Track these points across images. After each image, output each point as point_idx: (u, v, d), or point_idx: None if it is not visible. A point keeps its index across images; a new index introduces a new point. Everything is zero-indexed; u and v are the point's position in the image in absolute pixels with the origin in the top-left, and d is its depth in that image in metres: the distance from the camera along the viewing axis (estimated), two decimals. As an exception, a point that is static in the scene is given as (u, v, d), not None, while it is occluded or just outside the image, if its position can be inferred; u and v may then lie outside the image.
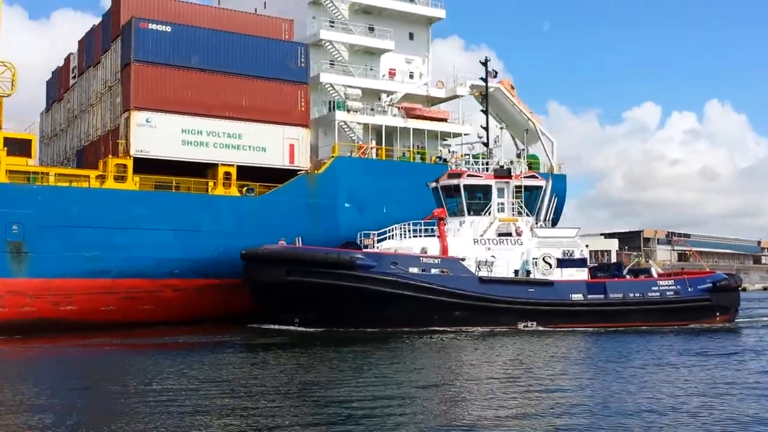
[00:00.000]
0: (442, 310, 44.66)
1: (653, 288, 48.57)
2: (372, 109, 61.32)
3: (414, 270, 44.95)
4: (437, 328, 44.63)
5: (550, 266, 48.14)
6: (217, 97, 53.66)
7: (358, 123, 59.83)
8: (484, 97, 66.78)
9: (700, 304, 49.25)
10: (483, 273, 46.25)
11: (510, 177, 50.36)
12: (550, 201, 51.13)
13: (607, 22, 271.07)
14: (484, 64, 55.93)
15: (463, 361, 32.56)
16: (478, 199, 50.03)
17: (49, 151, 70.51)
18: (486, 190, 49.98)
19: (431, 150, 63.25)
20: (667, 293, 48.70)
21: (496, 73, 59.60)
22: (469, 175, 49.86)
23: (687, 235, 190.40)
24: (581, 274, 48.75)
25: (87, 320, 48.72)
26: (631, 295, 47.89)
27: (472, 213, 49.80)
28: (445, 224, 48.67)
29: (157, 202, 50.95)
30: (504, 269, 47.50)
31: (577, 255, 49.08)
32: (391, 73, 64.93)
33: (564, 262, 48.49)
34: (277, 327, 46.15)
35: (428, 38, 67.80)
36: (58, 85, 69.25)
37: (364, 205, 57.95)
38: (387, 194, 58.16)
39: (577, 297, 46.94)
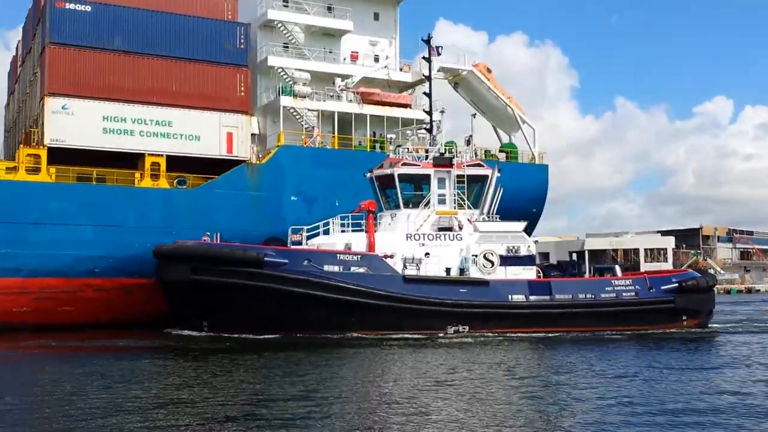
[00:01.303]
0: (361, 313, 40.08)
1: (606, 288, 43.16)
2: (330, 95, 56.79)
3: (330, 268, 40.46)
4: (355, 334, 40.01)
5: (492, 264, 43.11)
6: (144, 81, 50.06)
7: (309, 109, 55.42)
8: (456, 81, 62.82)
9: (661, 307, 43.70)
10: (409, 271, 41.41)
11: (451, 166, 45.43)
12: (495, 192, 45.99)
13: (676, 14, 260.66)
14: (427, 41, 50.88)
15: (354, 377, 27.66)
16: (416, 190, 45.20)
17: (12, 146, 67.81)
18: (424, 180, 45.16)
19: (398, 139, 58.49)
20: (624, 294, 43.26)
21: (439, 50, 54.27)
22: (404, 164, 45.11)
23: (750, 233, 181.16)
24: (528, 273, 43.60)
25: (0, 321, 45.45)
26: (581, 296, 42.58)
27: (409, 206, 44.98)
28: (374, 218, 43.96)
29: (74, 196, 47.47)
30: (439, 268, 42.57)
31: (523, 252, 43.94)
32: (353, 57, 60.42)
33: (508, 260, 43.43)
34: (187, 332, 42.03)
35: (395, 18, 63.20)
36: (13, 75, 66.53)
37: (314, 198, 53.69)
38: (340, 186, 53.72)
39: (517, 298, 41.87)
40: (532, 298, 41.96)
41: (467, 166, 45.69)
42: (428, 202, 45.00)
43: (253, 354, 34.14)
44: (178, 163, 50.83)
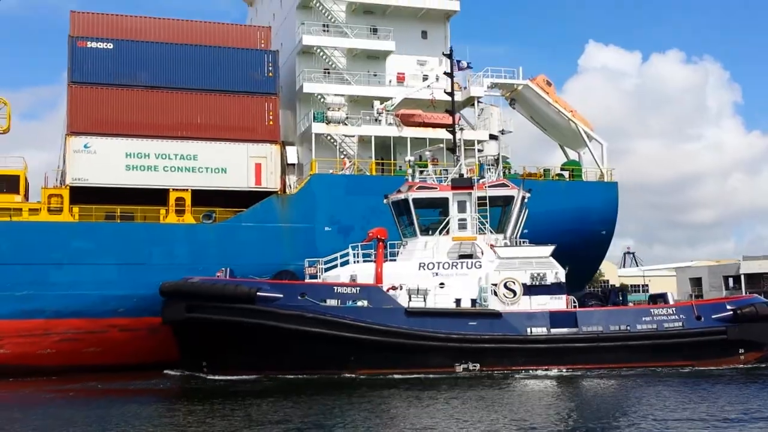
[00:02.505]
0: (360, 350, 36.97)
1: (644, 318, 37.98)
2: (367, 120, 54.31)
3: (328, 302, 37.64)
4: (351, 375, 36.98)
5: (514, 294, 38.99)
6: (168, 116, 49.47)
7: (346, 135, 53.02)
8: (513, 97, 58.91)
9: (711, 339, 37.99)
10: (415, 304, 37.97)
11: (471, 187, 41.76)
12: (520, 214, 41.90)
13: None
14: (448, 56, 47.47)
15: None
16: (434, 215, 41.86)
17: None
18: (442, 203, 41.71)
19: (449, 162, 55.15)
20: (665, 325, 37.94)
21: (469, 65, 50.54)
22: (420, 188, 41.86)
23: None
24: (556, 303, 39.10)
25: (24, 364, 45.26)
26: (613, 327, 37.63)
27: (428, 232, 41.64)
28: (384, 246, 40.88)
29: (97, 234, 47.05)
30: (451, 299, 38.90)
31: (550, 279, 39.50)
32: (399, 78, 57.73)
33: (532, 289, 39.16)
34: (188, 374, 40.30)
35: (446, 35, 59.96)
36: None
37: (350, 227, 51.03)
38: (378, 214, 50.29)
39: (537, 331, 37.47)
40: (554, 331, 37.50)
41: (489, 186, 41.86)
42: (447, 228, 41.48)
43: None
44: (206, 198, 49.70)
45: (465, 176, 42.74)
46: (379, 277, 39.62)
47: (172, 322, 39.86)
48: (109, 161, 47.92)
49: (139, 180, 48.47)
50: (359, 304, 37.67)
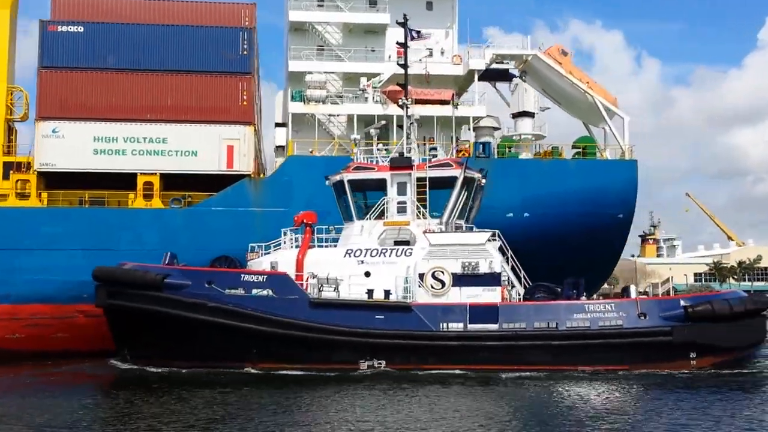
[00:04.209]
0: (262, 343, 34.80)
1: (576, 315, 33.56)
2: (356, 97, 51.75)
3: (233, 291, 35.72)
4: (252, 370, 34.99)
5: (443, 284, 35.59)
6: (138, 98, 48.84)
7: (330, 115, 50.70)
8: (524, 70, 54.52)
9: (652, 340, 33.11)
10: (326, 294, 35.34)
11: (410, 167, 38.48)
12: (461, 196, 38.22)
13: None
14: (402, 24, 44.00)
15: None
16: (374, 198, 39.00)
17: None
18: (380, 185, 38.74)
19: (445, 141, 51.84)
20: (600, 323, 33.40)
21: (419, 33, 46.45)
22: (356, 168, 39.06)
23: None
24: (489, 295, 35.34)
25: (-2, 348, 46.02)
26: (538, 324, 33.50)
27: (365, 216, 38.88)
28: (312, 232, 38.43)
29: (63, 220, 46.99)
30: (378, 290, 36.03)
31: (483, 269, 35.74)
32: (399, 53, 54.26)
33: (463, 279, 35.58)
34: (116, 363, 39.55)
35: (453, 6, 56.21)
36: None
37: (328, 212, 48.42)
38: (360, 197, 48.36)
39: (454, 327, 33.94)
40: (472, 327, 33.86)
41: (431, 167, 38.45)
42: (384, 212, 38.53)
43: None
44: (177, 182, 48.73)
45: (403, 155, 39.38)
46: (299, 264, 37.28)
47: (101, 308, 39.14)
48: (77, 146, 47.77)
49: (107, 164, 48.10)
50: (264, 293, 35.45)
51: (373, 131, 43.70)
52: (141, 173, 48.15)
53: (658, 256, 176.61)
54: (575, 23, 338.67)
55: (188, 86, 49.00)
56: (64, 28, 48.55)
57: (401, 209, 38.66)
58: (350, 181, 39.01)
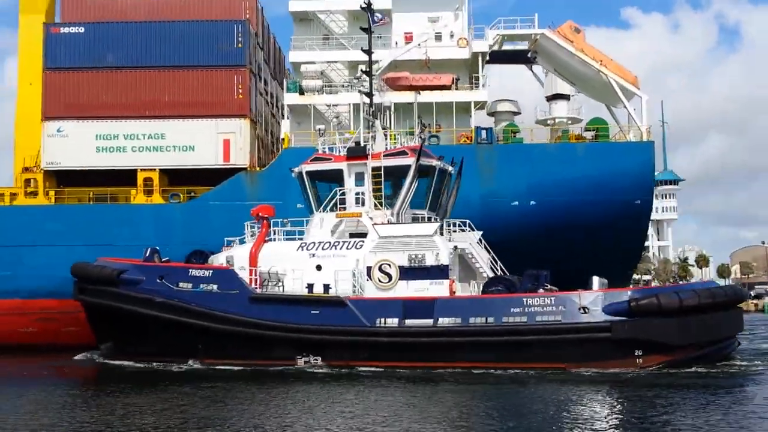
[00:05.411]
0: (207, 339, 35.01)
1: (513, 310, 31.90)
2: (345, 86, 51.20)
3: (183, 286, 36.09)
4: (198, 366, 35.35)
5: (389, 278, 34.78)
6: (136, 96, 50.18)
7: (328, 105, 50.35)
8: (535, 50, 52.36)
9: (590, 336, 31.08)
10: (274, 290, 35.23)
11: (365, 157, 37.69)
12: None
13: None
14: (366, 8, 42.88)
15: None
16: (335, 190, 38.53)
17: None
18: (337, 176, 38.17)
19: (456, 127, 50.44)
20: (539, 318, 31.64)
21: (382, 18, 44.79)
22: (315, 159, 38.63)
23: None
24: (437, 289, 34.22)
25: (7, 343, 48.16)
26: (474, 320, 32.09)
27: (325, 208, 38.47)
28: (269, 225, 38.31)
29: (68, 216, 48.88)
30: (329, 284, 35.67)
31: (429, 261, 34.57)
32: (407, 39, 53.41)
33: (409, 272, 34.60)
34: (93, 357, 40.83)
35: (463, -14, 54.49)
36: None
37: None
38: (357, 187, 47.86)
39: (390, 322, 33.03)
40: (408, 322, 32.86)
41: (386, 155, 37.53)
42: (342, 204, 37.98)
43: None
44: (177, 177, 49.70)
45: (361, 144, 38.57)
46: (253, 259, 37.20)
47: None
48: (80, 144, 49.48)
49: (109, 161, 49.61)
50: (209, 288, 35.61)
51: (335, 120, 42.96)
52: (141, 169, 49.42)
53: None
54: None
55: (184, 81, 49.79)
56: (66, 30, 50.24)
57: (360, 200, 37.95)
58: (308, 173, 38.68)
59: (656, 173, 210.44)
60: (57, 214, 48.96)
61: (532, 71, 59.80)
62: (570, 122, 57.46)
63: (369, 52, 42.53)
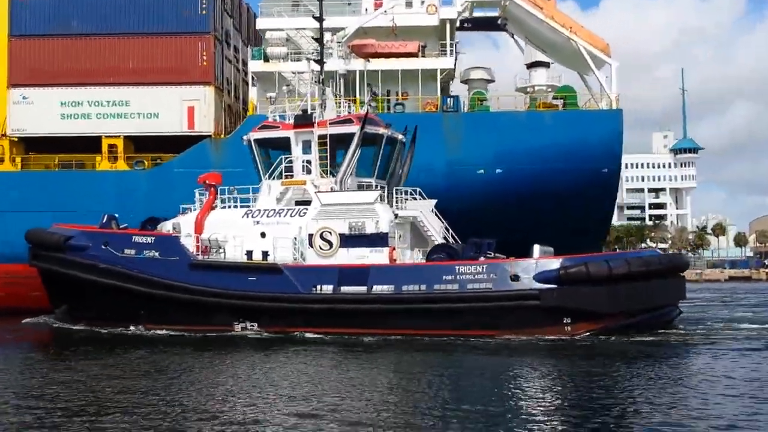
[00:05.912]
0: (148, 305, 35.22)
1: (445, 277, 31.75)
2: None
3: (127, 252, 36.26)
4: (138, 331, 35.59)
5: (330, 245, 34.73)
6: (101, 62, 50.12)
7: (293, 72, 50.01)
8: (505, 18, 51.68)
9: (519, 304, 30.91)
10: (214, 257, 35.32)
11: (312, 125, 37.48)
12: (356, 153, 36.76)
13: None
14: None
15: None
16: (280, 158, 38.42)
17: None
18: (285, 144, 38.03)
19: (423, 95, 50.01)
20: (470, 286, 31.49)
21: None
22: (262, 127, 38.54)
23: None
24: (377, 256, 34.14)
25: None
26: (406, 287, 32.00)
27: (272, 176, 38.41)
28: (216, 192, 38.31)
29: (32, 183, 49.05)
30: (267, 251, 35.73)
31: (369, 229, 34.45)
32: (377, 5, 52.81)
33: (350, 240, 34.53)
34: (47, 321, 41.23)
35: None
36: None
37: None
38: (319, 154, 47.71)
39: (326, 289, 33.03)
40: (343, 289, 32.84)
41: (331, 123, 37.30)
42: (290, 172, 37.89)
43: None
44: (147, 145, 49.81)
45: (307, 112, 38.31)
46: (198, 226, 37.28)
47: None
48: (45, 111, 49.62)
49: (73, 128, 49.74)
50: (151, 255, 35.72)
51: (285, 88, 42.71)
52: (105, 136, 49.53)
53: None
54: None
55: (148, 48, 49.71)
56: (31, -4, 50.11)
57: (307, 168, 37.80)
58: (257, 140, 38.59)
59: (675, 141, 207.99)
60: (21, 181, 49.26)
61: (514, 39, 59.13)
62: (549, 89, 56.78)
63: (320, 19, 42.12)
